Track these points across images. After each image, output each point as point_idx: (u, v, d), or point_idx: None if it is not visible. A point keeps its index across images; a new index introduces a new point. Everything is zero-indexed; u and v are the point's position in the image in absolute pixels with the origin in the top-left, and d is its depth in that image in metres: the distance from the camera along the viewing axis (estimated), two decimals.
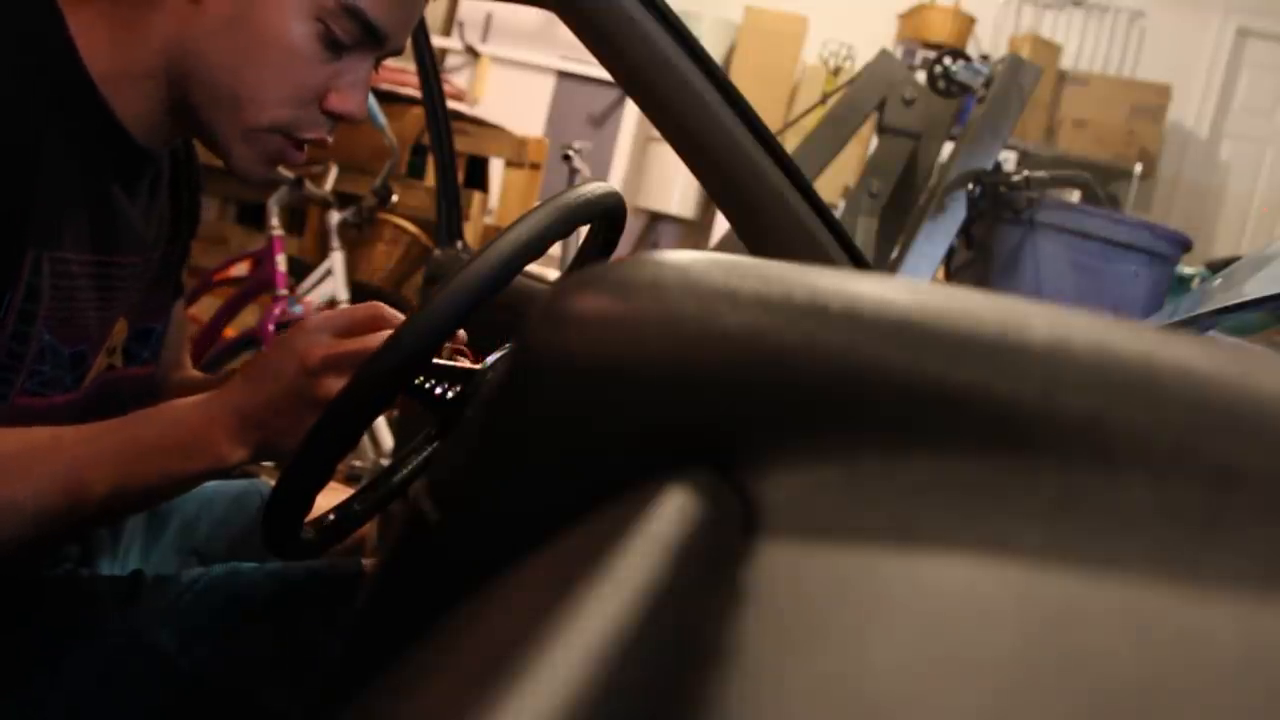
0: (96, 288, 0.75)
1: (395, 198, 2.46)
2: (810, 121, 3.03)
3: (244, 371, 0.73)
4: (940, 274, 2.60)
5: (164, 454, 0.69)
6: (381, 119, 2.38)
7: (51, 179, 0.69)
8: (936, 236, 2.36)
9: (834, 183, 4.27)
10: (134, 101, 0.74)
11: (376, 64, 0.77)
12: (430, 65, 1.60)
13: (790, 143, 2.93)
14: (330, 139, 0.77)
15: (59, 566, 0.88)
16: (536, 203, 0.68)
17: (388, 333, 0.70)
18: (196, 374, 1.04)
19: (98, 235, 0.74)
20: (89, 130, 0.73)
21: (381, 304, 0.75)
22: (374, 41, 0.73)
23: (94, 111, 0.73)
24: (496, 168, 3.20)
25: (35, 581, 0.84)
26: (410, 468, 0.79)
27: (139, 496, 0.71)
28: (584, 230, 0.78)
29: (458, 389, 0.74)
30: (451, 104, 1.87)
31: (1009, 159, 4.41)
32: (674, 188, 5.07)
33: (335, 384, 0.69)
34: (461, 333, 0.82)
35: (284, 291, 2.33)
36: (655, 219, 5.31)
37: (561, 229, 0.68)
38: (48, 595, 0.84)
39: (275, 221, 2.40)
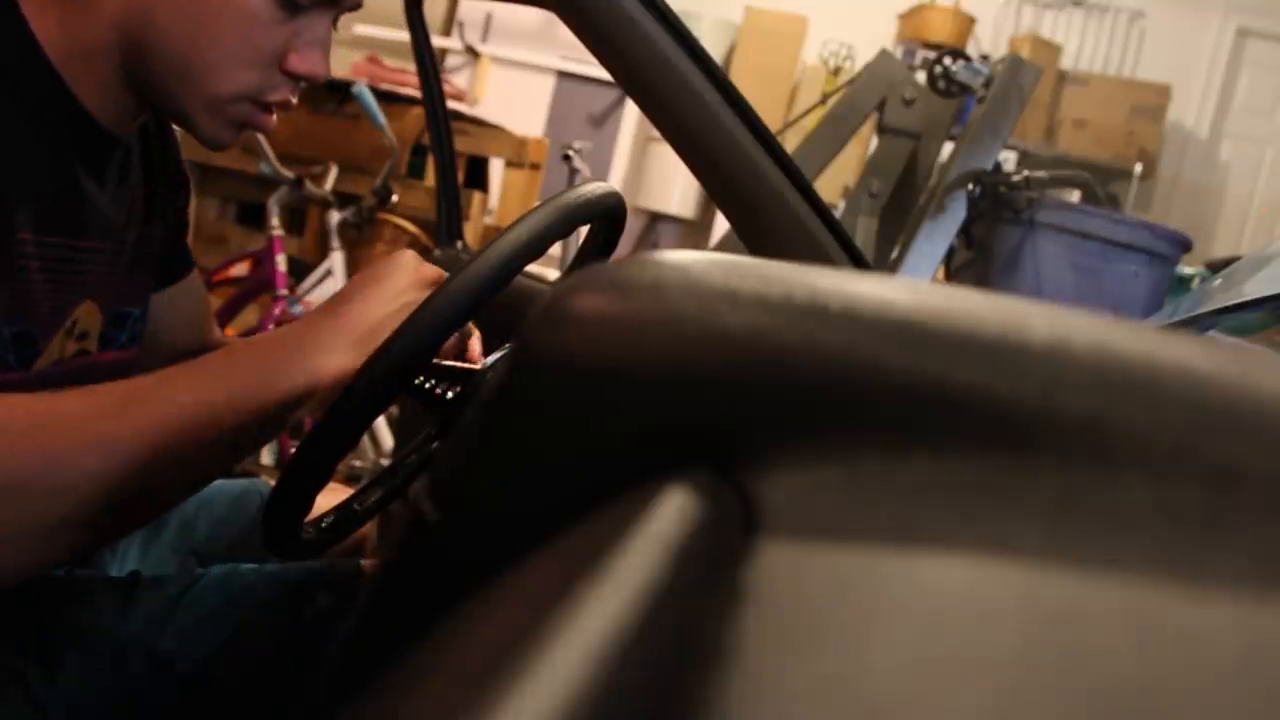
0: (53, 270, 0.73)
1: (395, 198, 2.46)
2: (810, 121, 3.03)
3: (337, 295, 0.71)
4: (940, 274, 2.60)
5: (274, 367, 0.66)
6: (381, 119, 2.39)
7: (14, 165, 0.67)
8: (936, 236, 2.36)
9: (834, 183, 4.27)
10: (93, 82, 0.72)
11: (335, 21, 0.77)
12: (430, 65, 1.60)
13: (790, 143, 2.93)
14: (294, 100, 0.76)
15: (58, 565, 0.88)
16: (536, 203, 0.68)
17: None
18: (234, 339, 1.03)
19: (60, 219, 0.73)
20: (51, 115, 0.71)
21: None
22: None
23: (55, 96, 0.71)
24: (496, 168, 3.20)
25: (31, 582, 0.84)
26: (410, 468, 0.79)
27: (251, 417, 0.65)
28: (584, 230, 0.78)
29: (458, 389, 0.74)
30: (451, 104, 1.87)
31: (1009, 159, 4.41)
32: (674, 188, 5.07)
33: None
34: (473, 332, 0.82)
35: (284, 291, 2.33)
36: (655, 219, 5.31)
37: (561, 229, 0.68)
38: (45, 596, 0.84)
39: (275, 221, 2.40)
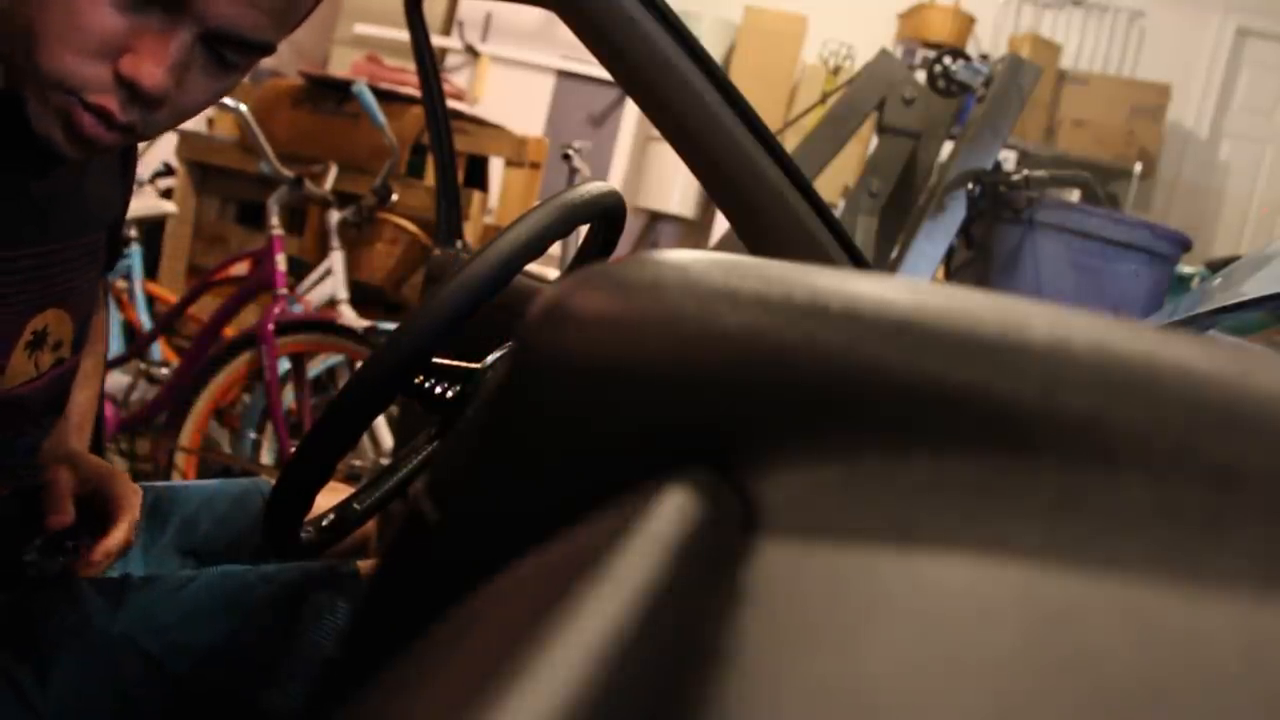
0: None
1: (395, 197, 2.45)
2: (810, 121, 3.03)
3: None
4: (940, 273, 2.60)
5: None
6: (381, 118, 2.38)
7: None
8: (936, 236, 2.36)
9: (834, 182, 4.27)
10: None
11: (230, 63, 0.66)
12: (430, 65, 1.60)
13: (790, 142, 2.93)
14: (122, 116, 0.64)
15: (53, 563, 0.88)
16: (536, 202, 0.68)
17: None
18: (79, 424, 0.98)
19: None
20: None
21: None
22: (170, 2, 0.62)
23: None
24: (496, 167, 3.20)
25: (23, 583, 0.84)
26: (410, 468, 0.79)
27: None
28: (584, 230, 0.78)
29: (458, 389, 0.74)
30: (451, 103, 1.86)
31: (1009, 159, 4.40)
32: (674, 187, 5.06)
33: None
34: None
35: (284, 291, 2.33)
36: (655, 218, 5.31)
37: (561, 228, 0.68)
38: (36, 597, 0.84)
39: (275, 221, 2.39)
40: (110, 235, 0.92)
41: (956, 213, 2.36)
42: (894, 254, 2.42)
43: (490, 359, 0.77)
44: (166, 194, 3.00)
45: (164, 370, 2.53)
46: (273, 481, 0.74)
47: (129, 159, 0.91)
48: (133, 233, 2.65)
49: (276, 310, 2.26)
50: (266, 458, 2.38)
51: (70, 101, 0.63)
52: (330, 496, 0.78)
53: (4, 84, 0.68)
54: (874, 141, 3.13)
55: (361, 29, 4.81)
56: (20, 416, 0.79)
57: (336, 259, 2.43)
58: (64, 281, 0.80)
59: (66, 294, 0.80)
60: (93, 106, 0.63)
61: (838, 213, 2.87)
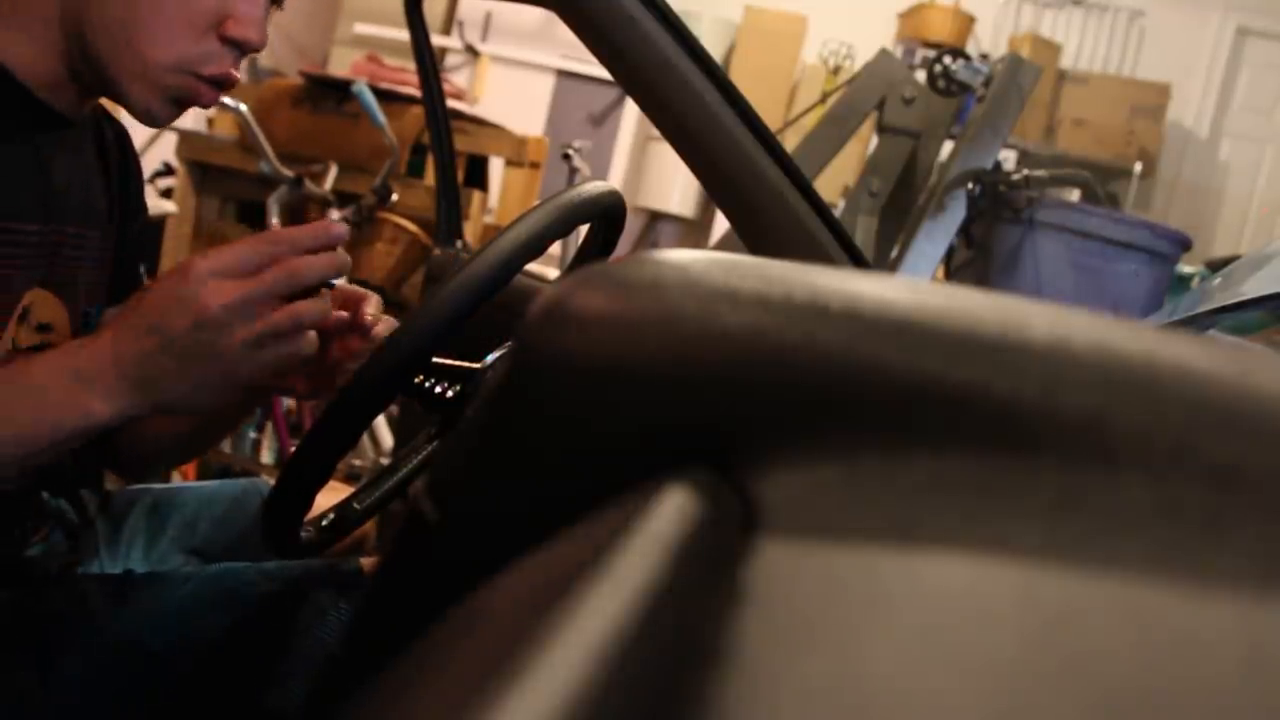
0: None
1: (395, 197, 2.45)
2: (810, 121, 3.03)
3: (118, 322, 0.66)
4: (940, 273, 2.60)
5: (48, 405, 0.64)
6: (381, 118, 2.38)
7: None
8: (936, 236, 2.36)
9: (834, 182, 4.27)
10: (33, 56, 0.71)
11: (278, 2, 0.75)
12: (430, 64, 1.60)
13: (790, 142, 2.93)
14: (236, 74, 0.73)
15: (53, 563, 0.88)
16: (536, 202, 0.68)
17: (293, 261, 0.65)
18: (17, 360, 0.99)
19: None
20: None
21: (274, 232, 0.68)
22: None
23: None
24: (496, 167, 3.20)
25: (24, 581, 0.84)
26: (410, 467, 0.79)
27: (24, 451, 0.65)
28: (584, 229, 0.78)
29: (458, 388, 0.74)
30: (451, 103, 1.86)
31: (1009, 158, 4.40)
32: (674, 187, 5.06)
33: (242, 330, 0.64)
34: None
35: None
36: (655, 218, 5.31)
37: (561, 228, 0.68)
38: (38, 595, 0.84)
39: (275, 220, 2.39)
40: (129, 236, 0.93)
41: (956, 212, 2.36)
42: (894, 254, 2.42)
43: (490, 359, 0.77)
44: (166, 194, 3.00)
45: None
46: (272, 481, 0.74)
47: (127, 152, 0.91)
48: None
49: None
50: (266, 457, 2.38)
51: (189, 80, 0.70)
52: (329, 496, 0.78)
53: (71, 80, 0.73)
54: (874, 141, 3.13)
55: (361, 29, 4.80)
56: None
57: None
58: (65, 269, 0.80)
59: (66, 282, 0.80)
60: (210, 77, 0.71)
61: (838, 213, 2.87)
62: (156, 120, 0.73)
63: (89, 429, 0.65)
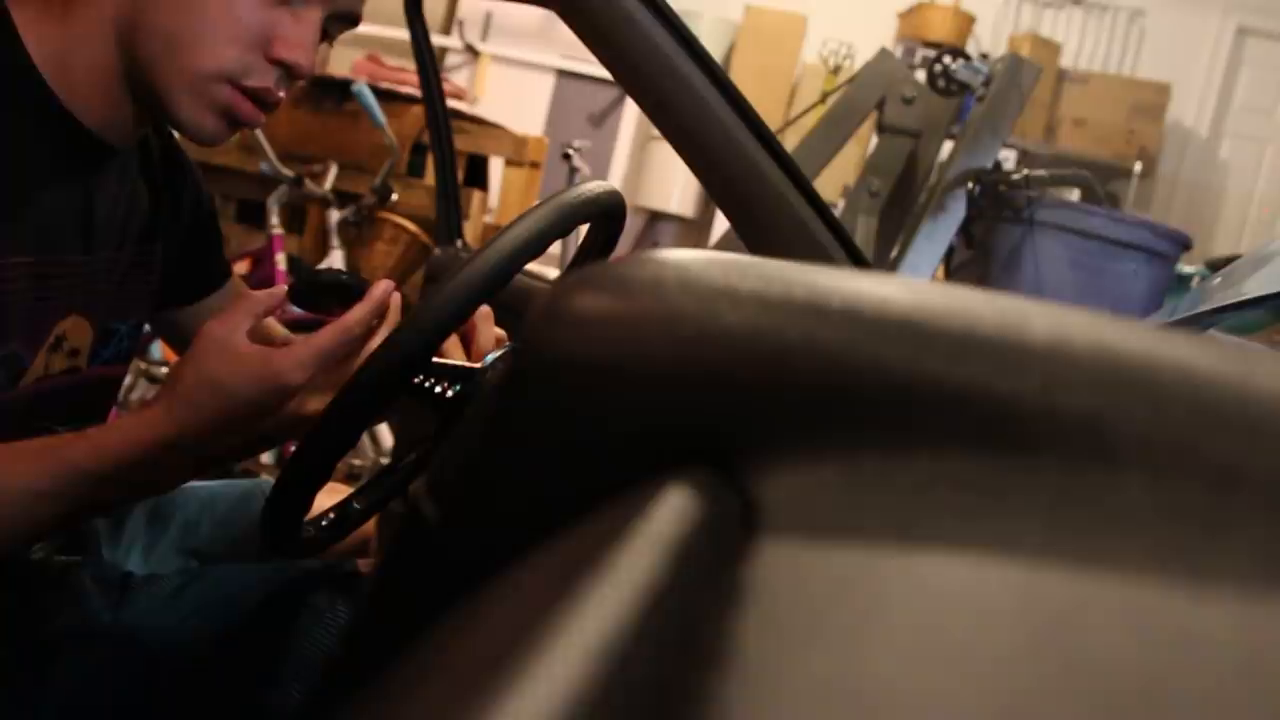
0: (32, 287, 0.73)
1: (395, 196, 2.45)
2: (810, 120, 3.02)
3: (183, 393, 0.68)
4: (940, 273, 2.60)
5: (115, 480, 0.67)
6: (381, 118, 2.38)
7: (1, 177, 0.68)
8: (936, 235, 2.36)
9: (834, 181, 4.26)
10: (82, 84, 0.72)
11: (329, 34, 0.76)
12: (430, 64, 1.60)
13: (790, 141, 2.93)
14: (281, 94, 0.74)
15: (53, 563, 0.88)
16: (536, 201, 0.68)
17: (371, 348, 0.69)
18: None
19: (42, 235, 0.72)
20: (39, 127, 0.71)
21: (349, 322, 0.71)
22: None
23: (44, 106, 0.71)
24: (496, 166, 3.20)
25: (25, 581, 0.84)
26: (410, 467, 0.79)
27: (102, 507, 0.71)
28: (584, 229, 0.78)
29: (457, 388, 0.74)
30: (451, 103, 1.86)
31: (1009, 158, 4.40)
32: (674, 186, 5.06)
33: (316, 403, 0.70)
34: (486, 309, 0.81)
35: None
36: (655, 217, 5.31)
37: (561, 228, 0.68)
38: (37, 596, 0.84)
39: (275, 220, 2.40)
40: (204, 253, 0.95)
41: (956, 212, 2.36)
42: (894, 253, 2.42)
43: (490, 359, 0.77)
44: None
45: (164, 369, 2.53)
46: (273, 481, 0.74)
47: (174, 160, 0.91)
48: None
49: (276, 310, 2.26)
50: (266, 457, 2.38)
51: (230, 91, 0.71)
52: (329, 496, 0.78)
53: (122, 93, 0.74)
54: (874, 141, 3.13)
55: (361, 28, 4.79)
56: (31, 418, 0.79)
57: (336, 258, 2.43)
58: (95, 291, 0.81)
59: (88, 302, 0.80)
60: (252, 90, 0.71)
61: (838, 212, 2.87)
62: (208, 136, 0.73)
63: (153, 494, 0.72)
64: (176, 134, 0.79)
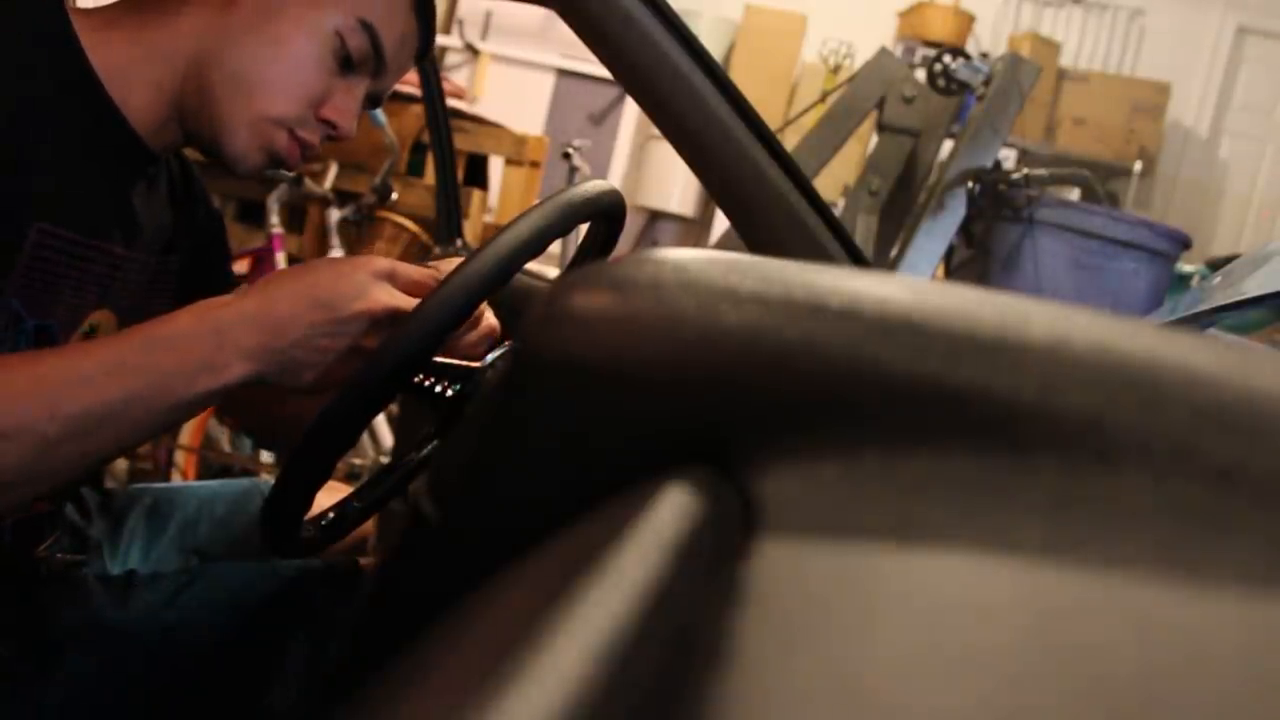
0: (77, 269, 0.76)
1: (395, 195, 2.45)
2: (810, 120, 3.02)
3: (279, 281, 0.69)
4: (940, 272, 2.60)
5: (175, 359, 0.66)
6: (381, 117, 2.38)
7: (52, 158, 0.72)
8: (936, 234, 2.36)
9: (834, 181, 4.26)
10: (141, 95, 0.77)
11: (367, 102, 0.84)
12: (430, 63, 1.60)
13: (790, 141, 2.93)
14: (319, 146, 0.82)
15: (55, 561, 0.88)
16: (536, 201, 0.68)
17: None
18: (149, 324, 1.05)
19: (88, 218, 0.76)
20: (92, 120, 0.75)
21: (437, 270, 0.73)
22: (376, 64, 0.81)
23: (97, 103, 0.76)
24: (496, 166, 3.20)
25: (29, 580, 0.84)
26: (410, 466, 0.79)
27: (150, 403, 0.65)
28: (583, 228, 0.78)
29: (458, 388, 0.74)
30: (451, 102, 1.86)
31: (1009, 157, 4.40)
32: (673, 186, 5.06)
33: (369, 339, 0.69)
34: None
35: None
36: (654, 217, 5.31)
37: (561, 227, 0.68)
38: (40, 594, 0.84)
39: (275, 219, 2.40)
40: (212, 265, 0.96)
41: (956, 211, 2.36)
42: (894, 252, 2.42)
43: (490, 358, 0.77)
44: None
45: None
46: (273, 481, 0.74)
47: (191, 181, 0.94)
48: None
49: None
50: (266, 457, 2.38)
51: (281, 135, 0.80)
52: (329, 495, 0.78)
53: (197, 121, 0.80)
54: (874, 140, 3.12)
55: None
56: None
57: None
58: (124, 293, 0.82)
59: (118, 299, 0.82)
60: (298, 138, 0.80)
61: (838, 212, 2.87)
62: (247, 168, 0.80)
63: (218, 391, 0.67)
64: (204, 156, 0.83)
